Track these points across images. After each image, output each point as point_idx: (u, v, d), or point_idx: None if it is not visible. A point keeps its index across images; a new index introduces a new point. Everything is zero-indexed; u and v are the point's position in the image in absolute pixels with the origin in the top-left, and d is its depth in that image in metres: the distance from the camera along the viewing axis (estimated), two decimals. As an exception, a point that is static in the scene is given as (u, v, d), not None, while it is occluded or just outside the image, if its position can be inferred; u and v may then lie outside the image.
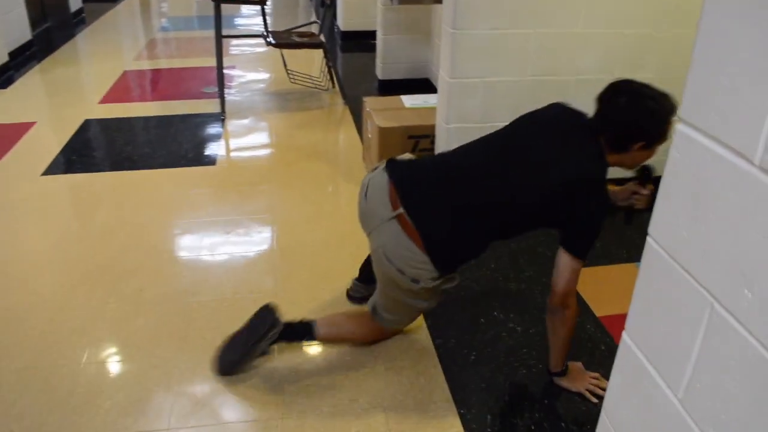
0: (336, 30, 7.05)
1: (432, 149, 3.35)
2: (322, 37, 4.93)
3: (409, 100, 3.61)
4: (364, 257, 2.60)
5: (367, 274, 2.57)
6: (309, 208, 3.32)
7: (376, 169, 2.16)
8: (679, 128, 1.06)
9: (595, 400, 2.12)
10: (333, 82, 5.11)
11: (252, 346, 2.19)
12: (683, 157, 1.06)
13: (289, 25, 5.60)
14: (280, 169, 3.79)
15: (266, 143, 4.24)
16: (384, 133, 3.27)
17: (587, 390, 2.15)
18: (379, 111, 3.45)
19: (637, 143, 1.89)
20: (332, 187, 3.55)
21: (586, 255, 1.93)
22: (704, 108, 0.98)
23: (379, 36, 5.02)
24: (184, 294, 2.62)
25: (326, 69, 5.08)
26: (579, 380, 2.19)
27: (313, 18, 7.88)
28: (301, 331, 2.23)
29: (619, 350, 1.27)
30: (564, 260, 1.94)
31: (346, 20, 6.65)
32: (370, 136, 3.51)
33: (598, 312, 2.56)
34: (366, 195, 2.09)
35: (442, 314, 2.50)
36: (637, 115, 1.87)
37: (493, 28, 2.92)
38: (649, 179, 2.13)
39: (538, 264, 2.87)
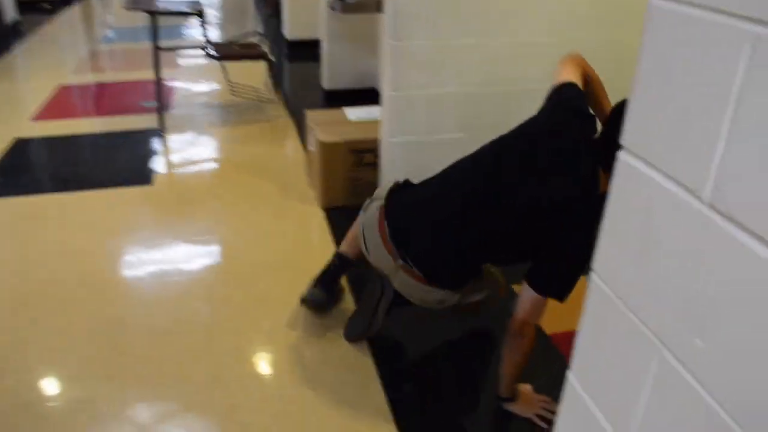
0: (282, 39, 6.92)
1: (376, 164, 3.24)
2: (266, 48, 4.80)
3: (353, 113, 3.50)
4: (307, 281, 2.48)
5: (326, 282, 2.48)
6: (251, 229, 3.18)
7: (367, 208, 2.24)
8: (621, 157, 0.98)
9: (544, 425, 2.04)
10: (277, 94, 4.98)
11: (372, 317, 2.31)
12: (626, 189, 0.99)
13: (237, 33, 5.43)
14: (222, 186, 3.64)
15: (207, 159, 4.08)
16: (326, 148, 3.16)
17: (537, 415, 2.07)
18: (322, 125, 3.33)
19: None
20: (275, 206, 3.42)
21: (551, 294, 1.85)
22: (649, 135, 0.90)
23: (324, 45, 4.90)
24: (116, 324, 2.46)
25: (270, 80, 4.94)
26: (529, 405, 2.10)
27: (259, 27, 7.71)
28: None
29: (565, 390, 1.18)
30: (526, 292, 1.88)
31: (291, 29, 6.51)
32: (313, 150, 3.39)
33: (548, 329, 2.49)
34: (366, 247, 2.17)
35: (396, 363, 2.40)
36: None
37: (435, 38, 2.84)
38: None
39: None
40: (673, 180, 0.84)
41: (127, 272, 2.81)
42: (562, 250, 1.82)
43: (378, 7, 4.01)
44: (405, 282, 2.07)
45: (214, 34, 7.28)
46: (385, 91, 2.98)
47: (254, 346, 2.41)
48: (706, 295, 0.79)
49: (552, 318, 2.53)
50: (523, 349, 1.96)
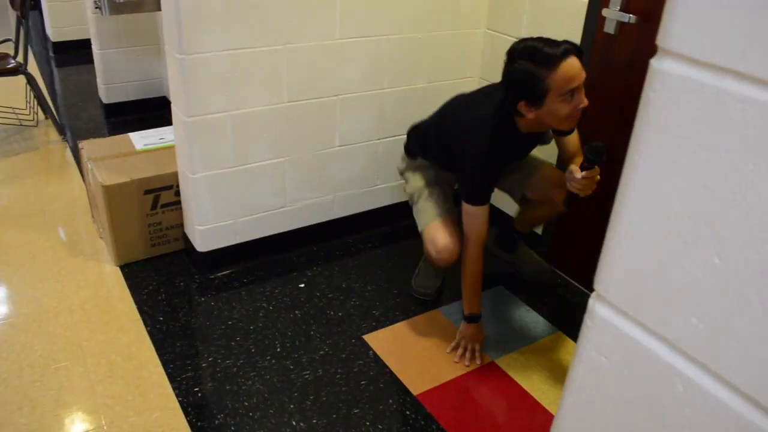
0: (46, 41, 5.92)
1: (178, 202, 2.66)
2: (21, 58, 3.93)
3: (140, 140, 2.86)
4: (115, 383, 1.89)
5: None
6: (25, 308, 2.44)
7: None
8: (596, 307, 0.60)
9: (462, 362, 2.24)
10: (45, 113, 4.13)
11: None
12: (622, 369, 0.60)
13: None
14: (-21, 247, 2.84)
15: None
16: (111, 192, 2.51)
17: (466, 351, 2.25)
18: (102, 160, 2.66)
19: (520, 103, 1.92)
20: (57, 268, 2.68)
21: (468, 198, 2.13)
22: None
23: (96, 51, 4.10)
24: None
25: (33, 96, 4.08)
26: (472, 339, 2.27)
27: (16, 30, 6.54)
28: None
29: None
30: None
31: (55, 29, 5.55)
32: (95, 194, 2.72)
33: (415, 389, 2.12)
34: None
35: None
36: (510, 77, 1.94)
37: (233, 47, 2.30)
38: (593, 162, 1.95)
39: (331, 336, 2.36)
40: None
41: None
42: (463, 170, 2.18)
43: (157, 5, 3.37)
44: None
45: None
46: (178, 118, 2.41)
47: None
48: None
49: (416, 375, 2.17)
50: (465, 264, 2.20)
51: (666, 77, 0.55)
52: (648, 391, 0.62)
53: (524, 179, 2.39)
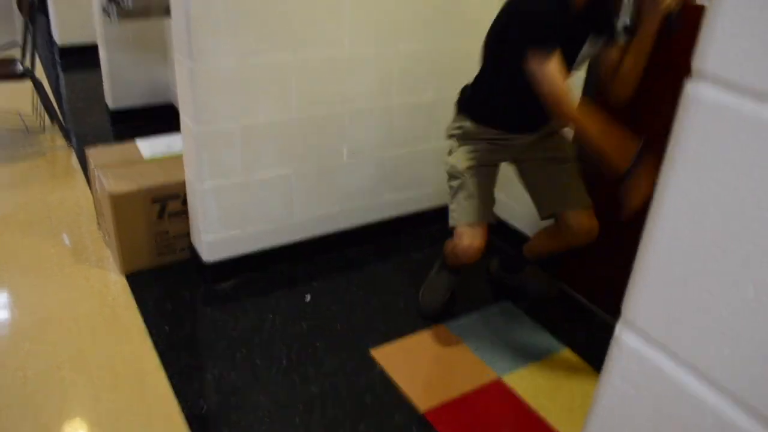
0: (52, 45, 5.93)
1: (185, 212, 2.65)
2: (28, 63, 3.93)
3: (148, 148, 2.85)
4: (119, 398, 1.87)
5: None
6: (28, 316, 2.42)
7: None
8: (622, 335, 0.58)
9: None
10: (51, 119, 4.13)
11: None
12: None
13: (5, 40, 4.42)
14: (-16, 253, 2.83)
15: (-37, 214, 3.20)
16: (118, 200, 2.50)
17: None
18: (110, 168, 2.65)
19: None
20: (61, 276, 2.67)
21: (534, 45, 1.88)
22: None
23: (103, 56, 4.11)
24: None
25: (39, 103, 4.08)
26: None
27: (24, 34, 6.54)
28: None
29: None
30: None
31: (62, 34, 5.57)
32: (101, 202, 2.71)
33: (421, 406, 2.10)
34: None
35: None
36: None
37: (243, 56, 2.30)
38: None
39: (337, 350, 2.34)
40: None
41: None
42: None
43: (166, 12, 3.37)
44: None
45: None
46: (186, 125, 2.40)
47: None
48: None
49: (423, 389, 2.16)
50: (577, 119, 1.96)
51: (701, 100, 0.54)
52: (676, 423, 0.61)
53: (563, 199, 2.31)
